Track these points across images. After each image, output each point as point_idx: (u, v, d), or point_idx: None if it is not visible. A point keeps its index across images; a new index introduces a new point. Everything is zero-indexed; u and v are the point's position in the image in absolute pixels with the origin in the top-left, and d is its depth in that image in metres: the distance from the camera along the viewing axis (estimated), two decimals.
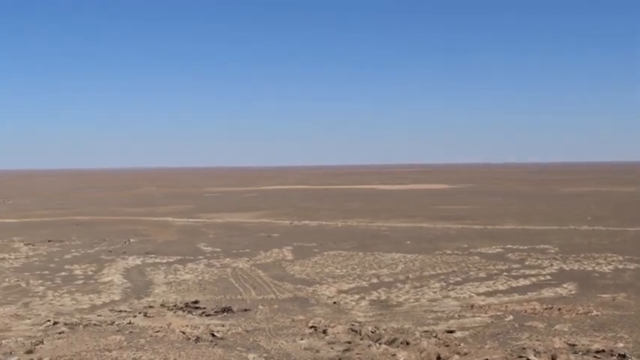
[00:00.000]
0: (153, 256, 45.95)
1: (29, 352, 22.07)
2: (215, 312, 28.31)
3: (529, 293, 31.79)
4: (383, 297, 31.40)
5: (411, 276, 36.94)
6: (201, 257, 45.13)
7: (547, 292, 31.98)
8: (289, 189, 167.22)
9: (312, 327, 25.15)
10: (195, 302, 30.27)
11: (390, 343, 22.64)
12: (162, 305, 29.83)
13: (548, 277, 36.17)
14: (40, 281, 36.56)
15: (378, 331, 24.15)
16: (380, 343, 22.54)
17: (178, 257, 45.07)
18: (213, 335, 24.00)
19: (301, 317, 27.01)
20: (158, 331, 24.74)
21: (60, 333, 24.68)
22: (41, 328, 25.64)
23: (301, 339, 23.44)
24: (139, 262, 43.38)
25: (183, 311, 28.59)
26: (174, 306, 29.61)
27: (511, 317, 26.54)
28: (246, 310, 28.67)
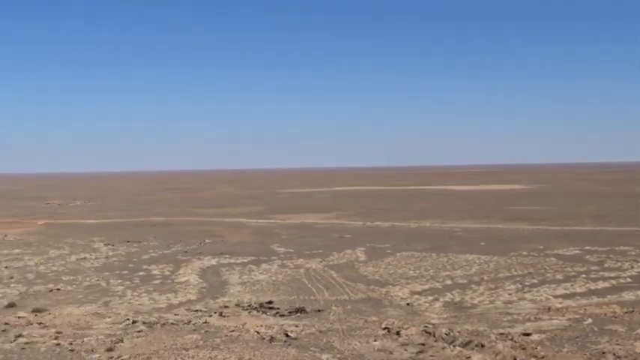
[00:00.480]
0: (227, 256, 46.61)
1: (110, 349, 22.70)
2: (289, 312, 28.55)
3: (609, 296, 30.95)
4: (457, 299, 31.07)
5: (485, 278, 36.43)
6: (274, 258, 45.53)
7: (628, 295, 31.07)
8: (361, 190, 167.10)
9: (385, 328, 25.09)
10: (269, 302, 30.58)
11: (465, 345, 22.38)
12: (237, 305, 30.24)
13: (629, 280, 35.12)
14: (119, 281, 37.56)
15: (452, 333, 23.91)
16: (454, 346, 22.32)
17: (252, 258, 45.58)
18: (287, 335, 24.20)
19: (374, 318, 26.97)
20: (233, 331, 25.09)
21: (139, 331, 25.31)
22: (121, 326, 26.34)
23: (374, 340, 23.41)
24: (214, 262, 44.07)
25: (258, 311, 28.92)
26: (249, 306, 29.98)
27: (590, 320, 25.88)
28: (319, 310, 28.80)
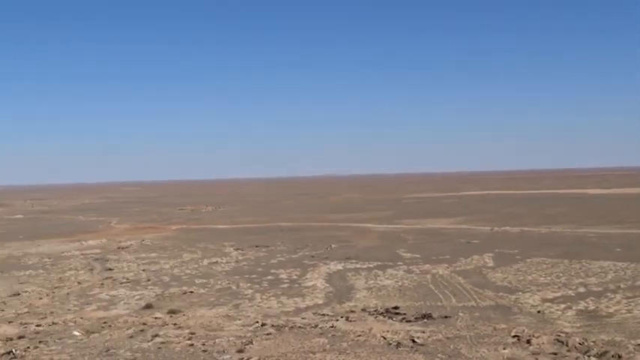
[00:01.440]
0: (354, 261, 46.84)
1: (240, 351, 23.35)
2: (415, 318, 28.33)
3: None
4: (591, 307, 29.80)
5: (622, 285, 34.74)
6: (400, 263, 45.33)
7: None
8: (489, 194, 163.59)
9: (515, 336, 24.43)
10: (396, 308, 30.46)
11: (600, 356, 21.45)
12: (364, 310, 30.32)
13: None
14: (248, 284, 38.54)
15: (586, 343, 22.96)
16: (589, 356, 21.44)
17: (378, 263, 45.58)
18: (413, 341, 24.04)
19: (503, 326, 26.32)
20: (360, 336, 25.19)
21: (267, 334, 25.88)
22: (250, 328, 27.04)
23: (504, 348, 22.85)
24: (340, 267, 44.40)
25: (384, 316, 28.88)
26: (375, 311, 29.99)
27: None
28: (446, 317, 28.42)
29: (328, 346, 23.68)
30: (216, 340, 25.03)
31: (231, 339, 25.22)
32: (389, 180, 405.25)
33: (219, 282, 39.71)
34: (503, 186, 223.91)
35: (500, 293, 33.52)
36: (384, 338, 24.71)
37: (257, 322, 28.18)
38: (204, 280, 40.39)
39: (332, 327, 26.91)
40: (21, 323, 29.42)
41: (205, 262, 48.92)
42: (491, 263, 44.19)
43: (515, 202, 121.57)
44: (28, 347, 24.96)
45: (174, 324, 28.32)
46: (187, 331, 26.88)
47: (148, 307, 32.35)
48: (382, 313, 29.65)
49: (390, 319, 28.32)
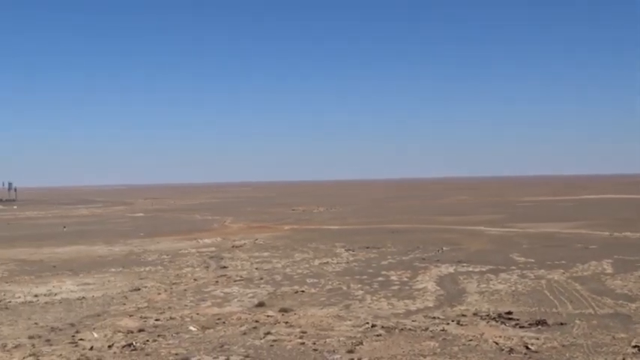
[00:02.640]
0: (465, 264, 46.17)
1: (350, 351, 23.49)
2: (529, 324, 27.61)
3: None
4: None
5: None
6: (513, 267, 44.29)
7: None
8: (608, 198, 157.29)
9: (635, 346, 23.40)
10: (509, 313, 29.79)
11: None
12: (475, 314, 29.83)
13: None
14: (359, 285, 38.67)
15: None
16: None
17: (490, 267, 44.71)
18: (527, 348, 23.46)
19: (623, 335, 25.25)
20: (471, 340, 24.82)
21: (378, 335, 25.91)
22: (360, 329, 27.13)
23: (623, 359, 21.95)
24: (451, 270, 43.86)
25: (496, 321, 28.31)
26: (487, 315, 29.45)
27: None
28: (562, 324, 27.54)
29: (439, 350, 23.47)
30: (327, 340, 25.28)
31: (341, 339, 25.41)
32: (501, 182, 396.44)
33: (329, 282, 40.06)
34: (621, 190, 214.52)
35: (620, 301, 32.15)
36: (497, 344, 24.24)
37: (367, 323, 28.26)
38: (315, 280, 40.86)
39: (443, 330, 26.63)
40: (141, 317, 30.70)
41: (316, 262, 49.46)
42: (610, 270, 42.47)
43: (637, 207, 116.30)
44: (148, 340, 26.03)
45: (286, 322, 28.79)
46: (298, 329, 27.27)
47: (261, 305, 33.03)
48: (494, 317, 29.06)
49: (503, 325, 27.73)
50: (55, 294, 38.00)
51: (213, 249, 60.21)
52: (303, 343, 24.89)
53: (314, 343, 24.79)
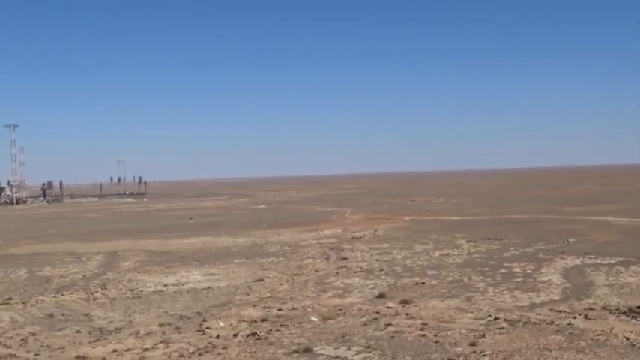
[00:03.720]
0: (592, 256, 44.40)
1: (472, 344, 23.12)
2: None
3: None
4: None
5: None
6: None
7: None
8: None
9: None
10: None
11: None
12: (604, 308, 28.65)
13: None
14: (480, 277, 37.99)
15: None
16: None
17: (620, 259, 42.78)
18: None
19: None
20: (599, 335, 23.88)
21: (500, 328, 25.38)
22: (483, 322, 26.66)
23: None
24: (578, 262, 42.31)
25: (627, 316, 27.08)
26: (617, 309, 28.21)
27: None
28: None
29: (565, 344, 22.72)
30: (448, 332, 25.01)
31: (463, 331, 25.07)
32: (630, 170, 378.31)
33: (450, 274, 39.57)
34: None
35: None
36: (627, 339, 23.20)
37: (490, 315, 27.72)
38: (435, 272, 40.47)
39: (569, 324, 25.75)
40: (264, 307, 31.42)
41: (437, 253, 48.96)
42: None
43: None
44: (271, 329, 26.61)
45: (407, 314, 28.68)
46: (419, 321, 27.11)
47: (381, 296, 33.05)
48: (625, 312, 27.79)
49: (634, 319, 26.48)
50: (183, 284, 39.51)
51: (333, 240, 60.76)
52: (424, 335, 24.73)
53: (435, 335, 24.59)
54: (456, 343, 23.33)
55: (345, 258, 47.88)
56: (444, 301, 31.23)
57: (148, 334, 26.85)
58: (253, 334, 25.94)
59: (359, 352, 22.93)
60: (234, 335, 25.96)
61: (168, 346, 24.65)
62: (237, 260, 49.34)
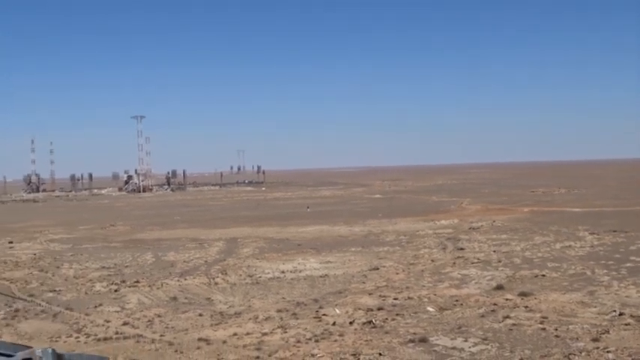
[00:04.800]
0: None
1: (595, 340, 22.33)
2: None
3: None
4: None
5: None
6: None
7: None
8: None
9: None
10: None
11: None
12: None
13: None
14: (604, 271, 36.52)
15: None
16: None
17: None
18: None
19: None
20: None
21: (626, 324, 24.36)
22: (606, 317, 25.66)
23: None
24: None
25: None
26: None
27: None
28: None
29: None
30: (570, 327, 24.24)
31: (585, 326, 24.23)
32: None
33: (572, 266, 38.26)
34: None
35: None
36: None
37: (614, 310, 26.62)
38: (556, 264, 39.23)
39: None
40: (380, 296, 31.49)
41: (558, 245, 47.44)
42: None
43: None
44: (387, 318, 26.66)
45: (526, 307, 28.00)
46: (539, 314, 26.40)
47: (499, 288, 32.40)
48: None
49: None
50: (300, 271, 40.15)
51: (450, 230, 60.05)
52: (544, 329, 24.09)
53: (556, 329, 23.89)
54: (577, 338, 22.60)
55: (462, 248, 47.22)
56: (565, 295, 30.26)
57: (266, 319, 27.50)
58: (369, 322, 26.07)
59: (476, 344, 22.62)
60: (351, 323, 26.18)
61: (285, 332, 25.17)
62: (353, 249, 49.61)
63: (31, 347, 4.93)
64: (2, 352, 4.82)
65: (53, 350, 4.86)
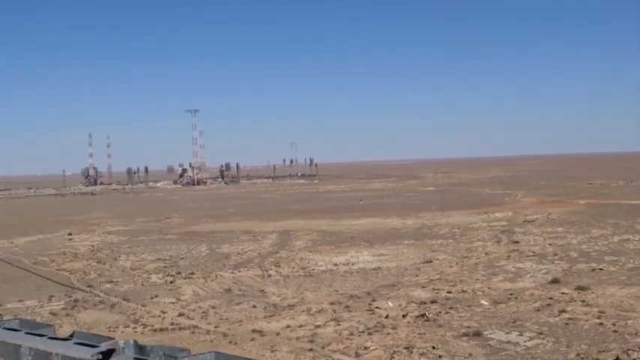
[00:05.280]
0: None
1: None
2: None
3: None
4: None
5: None
6: None
7: None
8: None
9: None
10: None
11: None
12: None
13: None
14: None
15: None
16: None
17: None
18: None
19: None
20: None
21: None
22: None
23: None
24: None
25: None
26: None
27: None
28: None
29: None
30: (628, 322, 23.71)
31: None
32: None
33: (631, 260, 37.38)
34: None
35: None
36: None
37: None
38: (614, 258, 38.39)
39: None
40: (433, 289, 31.29)
41: (616, 238, 46.41)
42: None
43: None
44: (440, 312, 26.49)
45: (582, 301, 27.49)
46: (596, 309, 25.89)
47: (555, 281, 31.88)
48: None
49: None
50: (353, 263, 40.16)
51: (504, 223, 59.27)
52: (601, 324, 23.62)
53: (613, 325, 23.40)
54: (636, 334, 22.10)
55: (516, 241, 46.57)
56: (623, 289, 29.59)
57: (319, 311, 27.60)
58: (422, 315, 25.95)
59: (531, 339, 22.32)
60: (404, 316, 26.10)
61: (338, 324, 25.22)
62: (406, 242, 49.39)
63: (113, 339, 5.09)
64: (86, 342, 4.99)
65: (135, 342, 5.02)
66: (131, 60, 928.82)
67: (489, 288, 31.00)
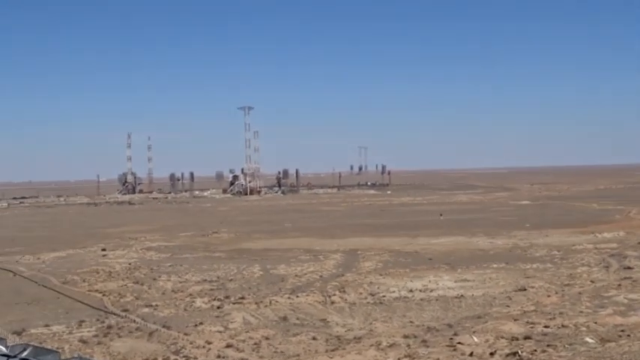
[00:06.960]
0: None
1: None
2: None
3: None
4: None
5: None
6: None
7: None
8: None
9: None
10: None
11: None
12: None
13: None
14: None
15: None
16: None
17: None
18: None
19: None
20: None
21: None
22: None
23: None
24: None
25: None
26: None
27: None
28: None
29: None
30: None
31: None
32: None
33: None
34: None
35: None
36: None
37: None
38: None
39: None
40: (527, 322, 30.80)
41: None
42: None
43: None
44: (535, 350, 26.05)
45: None
46: None
47: None
48: None
49: None
50: (431, 290, 39.85)
51: (614, 245, 58.01)
52: None
53: None
54: None
55: (629, 267, 45.51)
56: None
57: (390, 346, 27.45)
58: (514, 354, 25.57)
59: None
60: (491, 354, 25.76)
61: None
62: (495, 265, 48.79)
63: None
64: None
65: None
66: (175, 47, 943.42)
67: (595, 323, 30.33)
